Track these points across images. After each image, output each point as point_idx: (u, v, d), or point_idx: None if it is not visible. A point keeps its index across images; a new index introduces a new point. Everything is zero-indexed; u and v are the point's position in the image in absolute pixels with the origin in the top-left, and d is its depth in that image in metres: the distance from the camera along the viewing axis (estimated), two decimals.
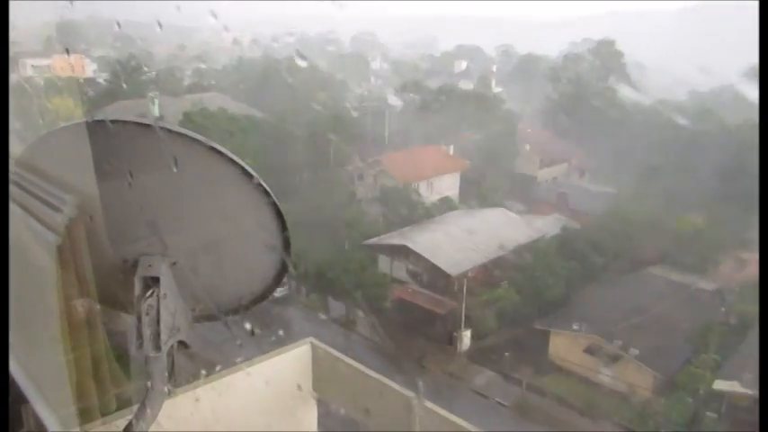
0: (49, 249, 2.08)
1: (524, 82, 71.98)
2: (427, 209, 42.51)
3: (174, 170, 2.13)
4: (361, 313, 35.48)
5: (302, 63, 61.92)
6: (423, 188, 46.08)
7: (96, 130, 2.10)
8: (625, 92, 64.52)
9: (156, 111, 45.87)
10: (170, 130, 2.16)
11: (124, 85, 55.13)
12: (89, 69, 60.33)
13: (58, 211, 2.08)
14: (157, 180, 2.22)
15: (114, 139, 2.10)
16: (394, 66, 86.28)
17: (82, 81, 57.95)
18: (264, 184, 2.23)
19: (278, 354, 6.75)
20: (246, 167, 2.20)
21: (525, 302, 32.34)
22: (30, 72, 58.24)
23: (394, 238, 36.32)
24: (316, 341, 6.89)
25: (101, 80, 57.00)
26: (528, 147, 54.40)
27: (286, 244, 2.41)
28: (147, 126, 2.16)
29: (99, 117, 2.12)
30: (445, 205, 44.15)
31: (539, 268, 33.25)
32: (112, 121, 2.10)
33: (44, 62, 60.08)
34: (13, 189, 2.17)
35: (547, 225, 39.62)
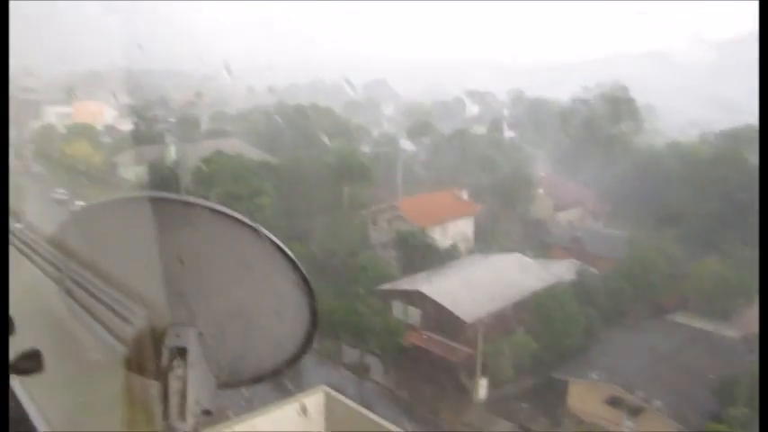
0: (113, 356, 2.13)
1: (536, 126, 72.39)
2: (441, 254, 42.30)
3: (209, 246, 2.17)
4: (375, 360, 34.99)
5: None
6: (437, 232, 45.96)
7: (128, 205, 2.13)
8: (636, 135, 64.80)
9: (173, 156, 46.59)
10: (204, 207, 2.22)
11: (141, 132, 56.37)
12: (109, 116, 61.77)
13: (127, 323, 2.14)
14: (187, 252, 2.28)
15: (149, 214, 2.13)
16: (406, 111, 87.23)
17: (101, 128, 59.41)
18: (293, 256, 2.26)
19: (290, 402, 6.53)
20: (276, 241, 2.25)
21: (543, 350, 31.71)
22: (53, 119, 59.93)
23: (408, 284, 36.04)
24: (329, 389, 6.69)
25: (121, 127, 58.46)
26: (542, 190, 54.39)
27: (313, 312, 2.42)
28: (182, 202, 2.25)
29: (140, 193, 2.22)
30: (459, 250, 43.93)
31: (556, 315, 32.73)
32: (149, 198, 2.15)
33: (66, 110, 61.77)
34: (71, 286, 2.18)
35: (563, 270, 39.18)
